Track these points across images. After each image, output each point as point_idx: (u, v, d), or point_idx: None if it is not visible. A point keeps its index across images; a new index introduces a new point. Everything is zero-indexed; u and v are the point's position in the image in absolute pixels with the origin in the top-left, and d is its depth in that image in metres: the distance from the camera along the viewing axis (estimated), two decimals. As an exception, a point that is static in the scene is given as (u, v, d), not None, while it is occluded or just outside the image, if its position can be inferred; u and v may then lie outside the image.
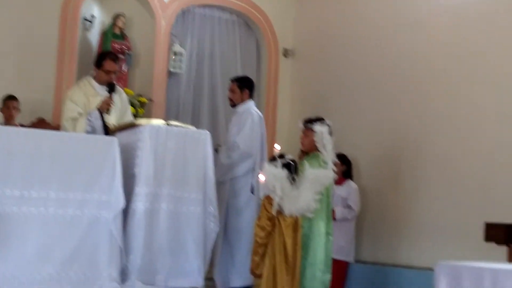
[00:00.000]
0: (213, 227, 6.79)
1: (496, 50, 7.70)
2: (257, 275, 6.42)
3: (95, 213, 6.07)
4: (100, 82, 7.30)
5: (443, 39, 8.29)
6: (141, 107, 9.05)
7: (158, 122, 6.84)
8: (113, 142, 6.30)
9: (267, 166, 6.52)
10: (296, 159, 6.88)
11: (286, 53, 10.62)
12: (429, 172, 8.19)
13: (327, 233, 6.85)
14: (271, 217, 6.38)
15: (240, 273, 7.42)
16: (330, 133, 6.98)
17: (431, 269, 6.03)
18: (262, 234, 6.35)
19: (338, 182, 8.27)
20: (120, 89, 7.72)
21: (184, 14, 9.98)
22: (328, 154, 6.90)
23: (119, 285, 6.09)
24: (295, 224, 6.44)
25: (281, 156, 6.64)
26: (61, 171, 6.00)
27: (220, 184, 7.56)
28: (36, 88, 8.53)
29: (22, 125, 7.90)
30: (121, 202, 6.14)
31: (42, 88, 8.59)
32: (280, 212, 6.40)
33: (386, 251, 8.53)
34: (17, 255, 5.69)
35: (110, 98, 7.15)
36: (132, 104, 8.64)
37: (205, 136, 6.89)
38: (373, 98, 9.12)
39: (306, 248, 6.66)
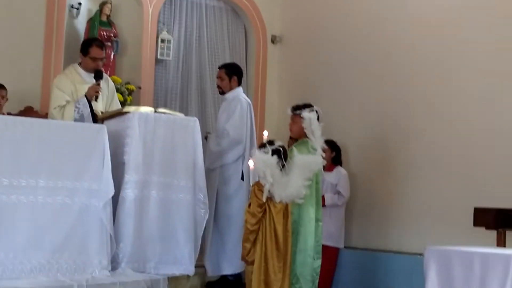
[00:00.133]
0: (203, 214, 6.81)
1: (483, 36, 7.69)
2: (248, 262, 6.43)
3: (84, 201, 6.07)
4: (86, 69, 7.27)
5: (431, 25, 8.28)
6: (129, 95, 9.01)
7: (146, 109, 6.84)
8: (102, 130, 6.29)
9: (257, 152, 6.52)
10: (285, 145, 6.88)
11: (274, 40, 10.60)
12: (418, 157, 8.20)
13: (317, 219, 6.87)
14: (262, 204, 6.38)
15: (231, 260, 7.42)
16: (319, 119, 6.99)
17: (421, 254, 6.07)
18: (252, 220, 6.35)
19: (328, 168, 8.28)
20: (107, 76, 7.69)
21: (171, 1, 9.92)
22: (317, 140, 6.91)
23: (110, 273, 6.10)
24: (285, 211, 6.45)
25: (271, 142, 6.63)
26: (49, 160, 5.99)
27: (210, 172, 7.57)
28: (23, 77, 8.46)
29: (10, 114, 7.85)
30: (110, 190, 6.14)
31: (29, 77, 8.53)
32: (270, 198, 6.40)
33: (376, 237, 8.56)
34: (7, 244, 5.68)
35: (98, 85, 7.11)
36: (120, 92, 8.63)
37: (194, 123, 6.89)
38: (361, 84, 9.12)
39: (296, 234, 6.68)
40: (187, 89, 9.91)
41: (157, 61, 9.66)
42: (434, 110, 8.10)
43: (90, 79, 7.19)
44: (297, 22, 10.41)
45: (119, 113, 6.80)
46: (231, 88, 7.95)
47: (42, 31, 8.72)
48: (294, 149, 6.78)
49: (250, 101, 8.03)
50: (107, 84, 7.41)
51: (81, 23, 9.32)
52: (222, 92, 8.00)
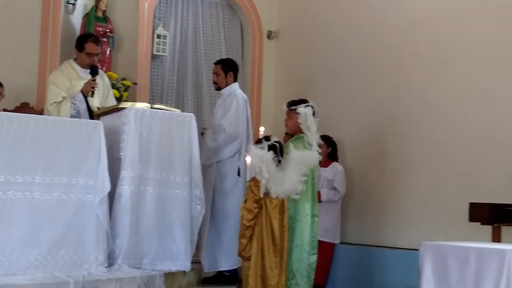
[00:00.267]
0: (200, 210, 6.82)
1: (480, 31, 7.71)
2: (245, 258, 6.45)
3: (81, 197, 6.08)
4: (82, 65, 7.26)
5: (427, 20, 8.29)
6: (125, 91, 9.01)
7: (142, 105, 6.84)
8: (98, 126, 6.30)
9: (253, 148, 6.53)
10: (281, 141, 6.90)
11: (270, 35, 10.60)
12: (414, 153, 8.22)
13: (313, 215, 6.89)
14: (258, 199, 6.40)
15: (227, 256, 7.43)
16: (314, 115, 7.00)
17: (416, 250, 6.08)
18: (249, 216, 6.37)
19: (324, 164, 8.30)
20: (102, 72, 7.69)
21: (167, -4, 9.94)
22: (313, 136, 6.93)
23: (106, 269, 6.10)
24: (282, 206, 6.47)
25: (267, 138, 6.65)
26: (46, 156, 5.99)
27: (206, 167, 7.57)
28: (20, 73, 8.45)
29: (5, 110, 7.84)
30: (107, 186, 6.15)
31: (25, 73, 8.52)
32: (266, 194, 6.41)
33: (371, 232, 8.57)
34: (3, 240, 5.68)
35: (94, 80, 7.11)
36: (116, 88, 8.63)
37: (190, 118, 6.90)
38: (357, 79, 9.12)
39: (293, 230, 6.70)
40: (183, 85, 9.91)
41: (153, 57, 9.65)
42: (430, 106, 8.11)
43: (85, 74, 7.18)
44: (293, 18, 10.41)
45: (115, 109, 6.80)
46: (227, 84, 7.94)
47: (38, 27, 8.71)
48: (290, 145, 6.80)
49: (246, 97, 8.03)
50: (102, 80, 7.42)
51: (77, 18, 9.31)
52: (218, 88, 8.00)
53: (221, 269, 7.58)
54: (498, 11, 7.56)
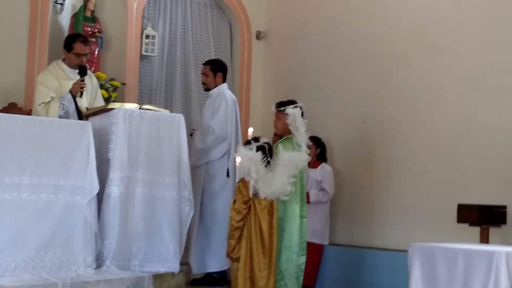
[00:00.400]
0: (188, 211, 6.81)
1: (464, 32, 7.74)
2: (233, 259, 6.44)
3: (69, 198, 6.06)
4: (70, 65, 7.24)
5: (412, 22, 8.32)
6: (113, 91, 8.97)
7: (131, 106, 6.82)
8: (87, 126, 6.28)
9: (242, 149, 6.53)
10: (270, 142, 6.90)
11: (258, 36, 10.60)
12: (402, 153, 8.24)
13: (302, 216, 6.89)
14: (247, 200, 6.40)
15: (216, 257, 7.42)
16: (303, 116, 7.01)
17: (405, 251, 6.11)
18: (237, 217, 6.37)
19: (313, 165, 8.30)
20: (90, 72, 7.66)
21: (156, -4, 9.92)
22: (301, 137, 6.94)
23: (94, 271, 6.08)
24: (271, 207, 6.47)
25: (256, 139, 6.65)
26: (34, 157, 5.97)
27: (195, 168, 7.57)
28: (7, 73, 8.41)
29: (-7, 110, 7.83)
30: (95, 187, 6.13)
31: (13, 73, 8.47)
32: (255, 195, 6.41)
33: (360, 233, 8.59)
34: (-9, 241, 5.66)
35: (83, 81, 7.09)
36: (105, 88, 8.60)
37: (179, 119, 6.88)
38: (345, 81, 9.14)
39: (281, 231, 6.70)
40: (172, 85, 9.89)
41: (142, 57, 9.63)
42: (417, 107, 8.14)
43: (74, 75, 7.16)
44: (282, 19, 10.42)
45: (104, 110, 6.78)
46: (216, 85, 7.93)
47: (26, 27, 8.66)
48: (280, 146, 6.81)
49: (235, 98, 8.02)
50: (91, 81, 7.39)
51: (65, 18, 9.27)
52: (207, 89, 7.99)
53: (210, 271, 7.57)
54: (482, 13, 7.60)
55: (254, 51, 10.56)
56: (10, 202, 5.78)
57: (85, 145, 6.18)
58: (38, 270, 5.81)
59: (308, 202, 7.48)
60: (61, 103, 6.96)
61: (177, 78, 9.89)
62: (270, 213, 6.47)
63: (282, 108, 7.06)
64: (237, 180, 6.65)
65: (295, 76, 9.94)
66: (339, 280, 8.32)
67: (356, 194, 8.75)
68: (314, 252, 8.21)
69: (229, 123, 7.74)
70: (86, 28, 9.13)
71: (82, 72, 7.13)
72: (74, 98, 7.02)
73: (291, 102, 7.10)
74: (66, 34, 8.97)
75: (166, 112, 7.08)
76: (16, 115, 6.34)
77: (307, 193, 7.69)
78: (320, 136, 8.57)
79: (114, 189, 6.34)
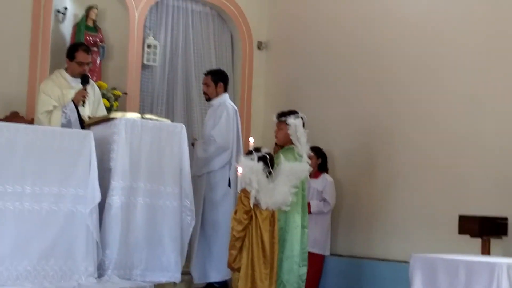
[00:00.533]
0: (190, 221, 6.80)
1: (468, 38, 7.75)
2: (234, 269, 6.43)
3: (71, 207, 6.06)
4: (73, 74, 7.25)
5: (414, 30, 8.33)
6: (115, 100, 8.99)
7: (133, 115, 6.82)
8: (89, 136, 6.28)
9: (243, 159, 6.53)
10: (271, 152, 6.90)
11: (260, 46, 10.62)
12: (404, 164, 8.24)
13: (303, 226, 6.90)
14: (248, 211, 6.39)
15: (217, 267, 7.43)
16: (304, 126, 7.02)
17: (406, 262, 6.10)
18: (239, 227, 6.36)
19: (314, 175, 8.30)
20: (93, 82, 7.67)
21: (157, 6, 9.92)
22: (303, 147, 6.96)
23: (96, 280, 6.08)
24: (272, 218, 6.46)
25: (257, 149, 6.65)
26: (36, 166, 5.96)
27: (197, 178, 7.58)
28: (9, 82, 8.41)
29: (-5, 119, 7.83)
30: (97, 196, 6.13)
31: (15, 82, 8.47)
32: (256, 205, 6.41)
33: (361, 244, 8.58)
34: (-7, 250, 5.66)
35: (85, 89, 7.10)
36: (106, 97, 8.60)
37: (181, 129, 6.89)
38: (346, 90, 9.15)
39: (283, 241, 6.70)
40: (173, 95, 9.90)
41: (143, 67, 9.64)
42: (420, 117, 8.13)
43: (76, 84, 7.17)
44: (283, 29, 10.44)
45: (106, 119, 6.79)
46: (217, 95, 7.96)
47: (28, 36, 8.67)
48: (281, 156, 6.80)
49: (236, 108, 8.04)
50: (93, 90, 7.40)
51: (67, 28, 9.29)
52: (208, 99, 8.01)
53: (211, 281, 7.57)
54: (486, 20, 7.61)
55: (255, 61, 10.57)
56: (12, 211, 5.78)
57: (87, 155, 6.17)
58: (40, 279, 5.81)
59: (309, 212, 7.48)
60: (63, 112, 6.96)
61: (179, 88, 9.90)
62: (272, 223, 6.46)
63: (283, 118, 7.08)
64: (238, 190, 6.65)
65: (296, 86, 9.95)
66: (340, 291, 8.33)
67: (357, 205, 8.74)
68: (315, 262, 8.20)
69: (231, 133, 7.76)
70: (88, 38, 9.14)
71: (85, 81, 7.15)
72: (76, 107, 7.02)
73: (293, 113, 7.11)
74: (68, 43, 8.99)
75: (168, 121, 7.09)
76: (18, 124, 6.36)
77: (308, 204, 7.69)
78: (321, 145, 8.58)
79: (115, 199, 6.34)
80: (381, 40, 8.74)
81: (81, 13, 9.31)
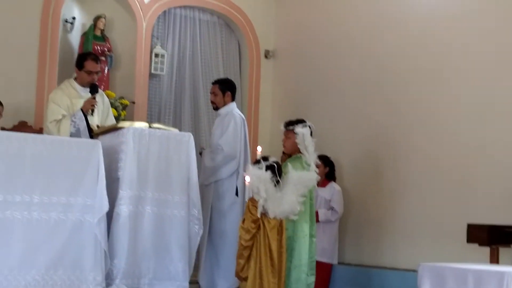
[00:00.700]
0: (197, 230, 6.80)
1: (476, 48, 7.75)
2: (242, 278, 6.43)
3: (79, 217, 6.05)
4: (82, 83, 7.27)
5: (422, 38, 8.34)
6: (123, 109, 9.02)
7: (141, 124, 6.83)
8: (97, 145, 6.28)
9: (251, 168, 6.53)
10: (279, 161, 6.90)
11: (267, 55, 10.63)
12: (412, 173, 8.23)
13: (311, 235, 6.89)
14: (256, 220, 6.39)
15: (225, 276, 7.41)
16: (312, 135, 7.02)
17: (414, 271, 6.08)
18: (247, 236, 6.36)
19: (322, 184, 8.28)
20: (102, 91, 7.70)
21: (165, 15, 9.95)
22: (310, 156, 6.95)
23: (104, 289, 6.08)
24: (280, 227, 6.46)
25: (265, 158, 6.65)
26: (44, 175, 5.97)
27: (204, 187, 7.57)
28: (17, 91, 8.44)
29: (3, 129, 7.83)
30: (105, 205, 6.13)
31: (23, 91, 8.51)
32: (264, 214, 6.41)
33: (369, 252, 8.57)
34: (1, 260, 5.65)
35: (94, 98, 7.12)
36: (114, 107, 8.62)
37: (189, 138, 6.89)
38: (354, 99, 9.15)
39: (291, 250, 6.69)
40: (181, 104, 9.91)
41: (151, 76, 9.67)
42: (428, 126, 8.13)
43: (85, 93, 7.20)
44: (290, 38, 10.45)
45: (114, 128, 6.80)
46: (224, 104, 7.96)
47: (36, 45, 8.71)
48: (289, 165, 6.80)
49: (243, 117, 8.04)
50: (102, 99, 7.42)
51: (75, 37, 9.33)
52: (216, 108, 8.02)
53: (219, 289, 7.57)
54: (495, 29, 7.61)
55: (262, 70, 10.59)
56: (21, 221, 5.79)
57: (95, 164, 6.18)
58: (48, 288, 5.82)
59: (317, 221, 7.47)
60: (72, 121, 6.98)
61: (186, 97, 9.92)
62: (280, 232, 6.46)
63: (291, 127, 7.08)
64: (246, 199, 6.65)
65: (303, 95, 9.96)
66: (348, 300, 8.32)
67: (365, 213, 8.73)
68: (323, 271, 8.19)
69: (238, 141, 7.75)
70: (96, 47, 9.18)
71: (93, 90, 7.17)
72: (85, 115, 7.05)
73: (300, 121, 7.11)
74: (76, 53, 9.04)
75: (175, 131, 7.09)
76: (26, 133, 6.36)
77: (316, 212, 7.68)
78: (329, 154, 8.58)
79: (123, 208, 6.34)
80: (388, 48, 8.74)
81: (89, 22, 9.36)
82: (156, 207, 6.56)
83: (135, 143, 6.52)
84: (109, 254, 6.18)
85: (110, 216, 6.28)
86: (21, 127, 8.20)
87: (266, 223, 6.41)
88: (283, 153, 7.38)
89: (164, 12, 9.89)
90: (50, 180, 5.99)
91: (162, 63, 9.70)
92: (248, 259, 6.38)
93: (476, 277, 5.40)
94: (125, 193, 6.38)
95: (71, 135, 6.90)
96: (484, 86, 7.63)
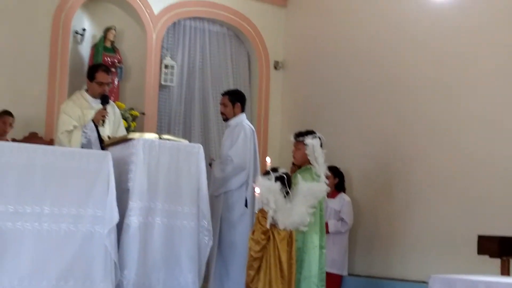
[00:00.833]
0: (207, 241, 6.76)
1: (487, 61, 7.75)
2: (252, 290, 6.42)
3: (89, 228, 6.04)
4: (93, 95, 7.30)
5: (433, 49, 8.34)
6: (133, 121, 9.04)
7: (151, 136, 6.83)
8: (107, 156, 6.28)
9: (261, 179, 6.53)
10: (289, 172, 6.90)
11: (276, 66, 10.66)
12: (422, 184, 8.21)
13: (321, 247, 6.88)
14: (265, 231, 6.39)
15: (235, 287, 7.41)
16: (322, 146, 7.01)
17: (424, 282, 6.06)
18: (256, 248, 6.36)
19: (331, 195, 8.29)
20: (113, 103, 7.72)
21: (175, 27, 10.00)
22: (320, 167, 6.94)
23: (114, 300, 6.07)
24: (290, 238, 6.45)
25: (274, 169, 6.65)
26: (54, 186, 5.97)
27: (214, 198, 7.57)
28: (28, 103, 8.50)
29: (14, 140, 7.87)
30: (115, 217, 6.12)
31: (34, 102, 8.56)
32: (274, 225, 6.40)
33: (379, 264, 8.55)
34: (11, 271, 5.65)
35: (104, 109, 7.15)
36: (124, 118, 8.64)
37: (198, 149, 6.87)
38: (363, 110, 9.15)
39: (301, 261, 6.68)
40: (190, 115, 9.94)
41: (161, 87, 9.70)
42: (438, 136, 8.12)
43: (97, 104, 7.22)
44: (300, 48, 10.47)
45: (124, 140, 6.81)
46: (234, 115, 7.97)
47: (46, 57, 8.76)
48: (298, 176, 6.80)
49: (253, 128, 8.05)
50: (113, 110, 7.45)
51: (85, 49, 9.38)
52: (226, 119, 8.02)
53: (229, 300, 7.56)
54: (506, 44, 7.60)
55: (272, 81, 10.61)
56: (31, 232, 5.78)
57: (105, 175, 6.17)
58: (59, 299, 5.82)
59: (327, 232, 7.46)
60: (83, 131, 7.01)
61: (196, 108, 9.95)
62: (289, 243, 6.45)
63: (301, 138, 7.08)
64: (256, 210, 6.64)
65: (313, 106, 9.97)
66: (359, 311, 8.29)
67: (375, 224, 8.72)
68: (333, 282, 8.18)
69: (248, 153, 7.76)
70: (106, 58, 9.22)
71: (104, 101, 7.19)
72: (96, 126, 7.07)
73: (310, 133, 7.11)
74: (86, 64, 9.08)
75: (185, 142, 7.10)
76: (37, 145, 6.37)
77: (326, 223, 7.67)
78: (338, 165, 8.58)
79: (133, 219, 6.33)
80: (398, 60, 8.75)
81: (99, 34, 9.41)
82: (166, 218, 6.54)
83: (145, 154, 6.51)
84: (119, 265, 6.17)
85: (120, 227, 6.27)
86: (32, 138, 8.24)
87: (276, 234, 6.40)
88: (293, 164, 7.37)
89: (174, 23, 9.94)
90: (61, 191, 5.99)
91: (172, 74, 9.74)
92: (258, 270, 6.37)
93: (487, 289, 5.38)
94: (135, 204, 6.36)
95: (83, 146, 6.92)
96: (495, 99, 7.62)
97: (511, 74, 7.50)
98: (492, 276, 6.05)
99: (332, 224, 8.36)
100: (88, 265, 5.99)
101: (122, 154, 6.64)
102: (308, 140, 7.00)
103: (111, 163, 6.22)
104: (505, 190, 7.35)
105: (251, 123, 8.25)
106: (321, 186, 6.77)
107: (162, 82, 9.66)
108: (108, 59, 9.26)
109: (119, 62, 9.40)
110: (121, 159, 6.57)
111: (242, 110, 8.03)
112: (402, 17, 8.80)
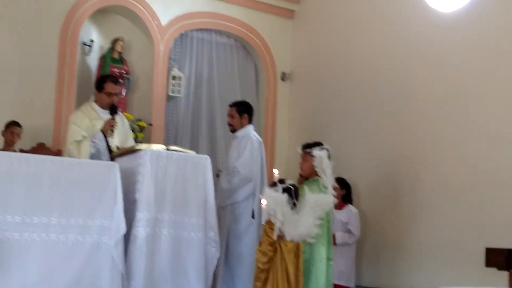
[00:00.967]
0: (214, 252, 6.77)
1: (495, 72, 7.72)
2: (259, 301, 6.40)
3: (96, 239, 6.07)
4: (102, 105, 7.34)
5: (441, 61, 8.31)
6: (140, 132, 9.05)
7: (158, 147, 6.85)
8: (114, 167, 6.31)
9: (268, 190, 6.52)
10: (296, 184, 6.89)
11: (283, 77, 10.66)
12: (429, 195, 8.18)
13: (328, 258, 6.86)
14: (273, 242, 6.37)
15: (242, 299, 7.41)
16: (329, 158, 7.01)
17: (433, 294, 6.04)
18: (263, 259, 6.34)
19: (338, 206, 8.26)
20: (122, 114, 7.75)
21: (182, 38, 10.02)
22: (328, 179, 6.93)
23: (121, 311, 6.07)
24: (297, 250, 6.43)
25: (282, 181, 6.64)
26: (62, 197, 5.99)
27: (221, 209, 7.57)
28: (36, 113, 8.51)
29: (22, 150, 7.89)
30: (122, 227, 6.13)
31: (42, 113, 8.58)
32: (281, 237, 6.39)
33: (386, 275, 8.51)
34: (19, 281, 5.67)
35: (113, 119, 7.18)
36: (132, 129, 8.65)
37: (205, 160, 6.89)
38: (371, 121, 9.14)
39: (308, 273, 6.65)
40: (198, 126, 9.95)
41: (168, 98, 9.72)
42: (445, 148, 8.10)
43: (105, 115, 7.26)
44: (307, 60, 10.48)
45: (131, 151, 6.83)
46: (242, 126, 7.98)
47: (54, 68, 8.78)
48: (306, 188, 6.78)
49: (260, 139, 8.05)
50: (122, 121, 7.49)
51: (93, 60, 9.40)
52: (233, 130, 8.03)
53: (236, 312, 7.54)
54: (509, 51, 7.59)
55: (279, 92, 10.61)
56: (38, 242, 5.81)
57: (112, 186, 6.19)
58: (66, 310, 5.82)
59: (334, 243, 7.44)
60: (92, 141, 7.04)
61: (203, 119, 9.96)
62: (297, 255, 6.42)
63: (308, 150, 7.07)
64: (263, 222, 6.63)
65: (320, 117, 9.96)
66: (366, 323, 8.26)
67: (382, 236, 8.69)
68: (340, 294, 8.15)
69: (255, 164, 7.76)
70: (113, 70, 9.24)
71: (113, 111, 7.22)
72: (105, 136, 7.10)
73: (318, 144, 7.10)
74: (94, 75, 9.11)
75: (192, 153, 7.11)
76: (45, 155, 6.44)
77: (333, 235, 7.65)
78: (345, 176, 8.55)
79: (140, 230, 6.33)
80: (405, 72, 8.73)
81: (107, 45, 9.43)
82: (173, 229, 6.55)
83: (153, 165, 6.53)
84: (126, 276, 6.17)
85: (127, 238, 6.28)
86: (40, 149, 8.25)
87: (283, 246, 6.38)
88: (300, 175, 7.36)
89: (181, 35, 9.96)
90: (68, 201, 6.01)
91: (179, 85, 9.76)
92: (265, 282, 6.35)
93: (495, 301, 5.37)
94: (142, 215, 6.37)
95: (92, 155, 6.96)
96: (502, 111, 7.58)
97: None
98: (500, 288, 6.04)
99: (340, 236, 8.33)
100: (95, 276, 6.01)
101: (129, 165, 6.66)
102: (316, 151, 6.99)
103: (118, 174, 6.24)
104: (512, 202, 7.33)
105: (258, 134, 8.25)
106: (328, 198, 6.76)
107: (170, 93, 9.68)
108: (116, 70, 9.27)
109: (127, 73, 9.42)
110: (129, 170, 6.58)
111: (250, 122, 8.04)
112: (410, 29, 8.78)
